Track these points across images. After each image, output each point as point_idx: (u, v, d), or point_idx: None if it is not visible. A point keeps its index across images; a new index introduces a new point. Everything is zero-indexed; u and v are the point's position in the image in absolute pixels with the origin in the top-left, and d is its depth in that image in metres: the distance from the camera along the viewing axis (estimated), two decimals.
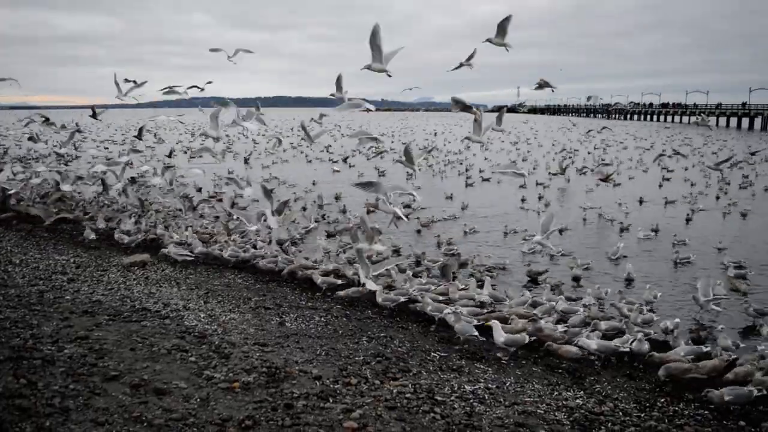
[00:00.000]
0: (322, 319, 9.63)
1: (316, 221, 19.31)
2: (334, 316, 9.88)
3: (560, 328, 9.43)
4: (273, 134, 45.56)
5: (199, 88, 16.47)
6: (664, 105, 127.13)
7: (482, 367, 7.92)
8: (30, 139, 22.84)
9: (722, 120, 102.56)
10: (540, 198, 24.41)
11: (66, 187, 17.69)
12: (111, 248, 14.37)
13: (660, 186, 28.35)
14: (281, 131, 60.59)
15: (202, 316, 8.90)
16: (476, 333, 9.07)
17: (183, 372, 6.43)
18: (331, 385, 6.51)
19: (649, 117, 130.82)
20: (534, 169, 34.32)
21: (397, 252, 15.27)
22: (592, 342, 8.71)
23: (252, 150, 43.43)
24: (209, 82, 16.95)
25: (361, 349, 8.09)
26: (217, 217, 19.17)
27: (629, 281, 13.47)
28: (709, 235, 18.08)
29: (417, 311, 10.31)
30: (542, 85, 11.74)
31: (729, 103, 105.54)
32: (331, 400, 6.06)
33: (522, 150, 46.58)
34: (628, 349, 8.65)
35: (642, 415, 6.70)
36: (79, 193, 20.90)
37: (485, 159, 39.97)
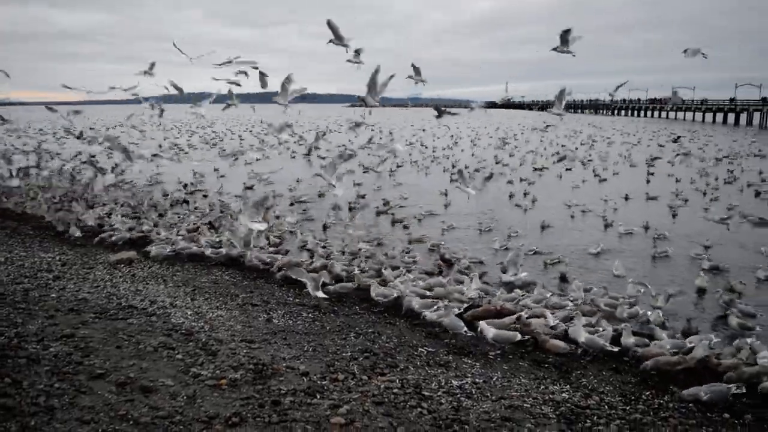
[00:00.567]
0: (310, 315, 9.62)
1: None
2: (322, 312, 9.87)
3: (551, 321, 9.46)
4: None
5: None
6: (652, 101, 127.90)
7: (469, 362, 7.94)
8: None
9: (708, 116, 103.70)
10: (525, 194, 24.47)
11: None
12: (97, 246, 14.27)
13: (648, 182, 28.46)
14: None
15: (189, 313, 8.87)
16: (465, 328, 9.12)
17: (169, 369, 6.42)
18: (319, 381, 6.51)
19: (636, 113, 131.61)
20: (521, 165, 34.48)
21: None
22: (581, 335, 8.78)
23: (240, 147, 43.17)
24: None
25: (348, 345, 8.09)
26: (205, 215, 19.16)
27: (615, 277, 13.54)
28: (692, 230, 18.23)
29: (405, 306, 10.31)
30: (560, 48, 11.34)
31: (716, 99, 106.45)
32: (318, 396, 6.07)
33: (510, 146, 46.75)
34: (613, 345, 8.73)
35: (627, 408, 6.74)
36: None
37: (472, 155, 40.05)
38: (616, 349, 8.70)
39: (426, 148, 44.51)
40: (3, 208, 17.51)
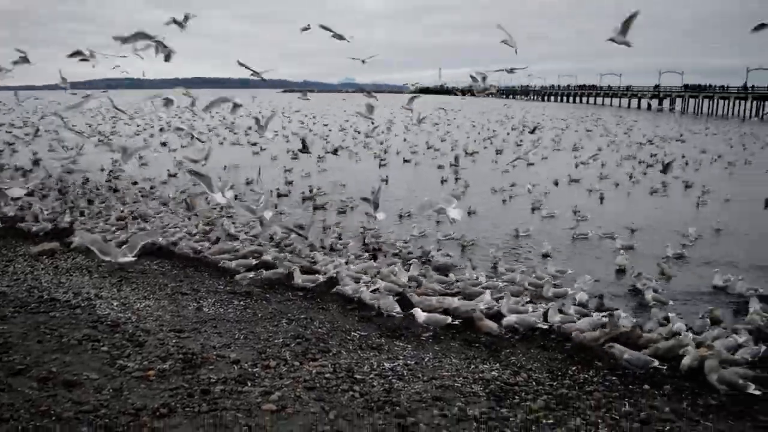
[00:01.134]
0: (241, 302, 9.51)
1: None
2: (254, 300, 9.77)
3: (481, 305, 9.59)
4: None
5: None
6: (581, 87, 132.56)
7: (402, 344, 8.04)
8: None
9: (634, 102, 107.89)
10: (457, 180, 24.84)
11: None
12: (17, 237, 13.64)
13: (576, 166, 29.29)
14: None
15: (115, 304, 8.63)
16: (399, 309, 9.24)
17: (94, 363, 6.26)
18: (250, 369, 6.48)
19: (565, 98, 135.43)
20: (452, 149, 34.99)
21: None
22: (512, 316, 9.02)
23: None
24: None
25: (280, 332, 8.06)
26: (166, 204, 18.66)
27: (544, 257, 13.99)
28: (617, 212, 19.00)
29: (337, 292, 10.31)
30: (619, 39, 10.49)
31: (640, 86, 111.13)
32: (249, 384, 6.04)
33: (441, 131, 47.32)
34: (542, 322, 9.02)
35: (554, 383, 6.98)
36: None
37: (404, 141, 40.35)
38: (545, 326, 8.98)
39: (359, 133, 44.74)
40: None
